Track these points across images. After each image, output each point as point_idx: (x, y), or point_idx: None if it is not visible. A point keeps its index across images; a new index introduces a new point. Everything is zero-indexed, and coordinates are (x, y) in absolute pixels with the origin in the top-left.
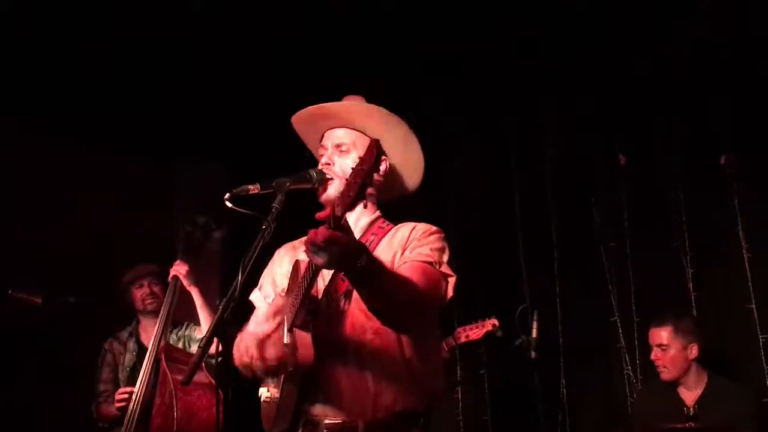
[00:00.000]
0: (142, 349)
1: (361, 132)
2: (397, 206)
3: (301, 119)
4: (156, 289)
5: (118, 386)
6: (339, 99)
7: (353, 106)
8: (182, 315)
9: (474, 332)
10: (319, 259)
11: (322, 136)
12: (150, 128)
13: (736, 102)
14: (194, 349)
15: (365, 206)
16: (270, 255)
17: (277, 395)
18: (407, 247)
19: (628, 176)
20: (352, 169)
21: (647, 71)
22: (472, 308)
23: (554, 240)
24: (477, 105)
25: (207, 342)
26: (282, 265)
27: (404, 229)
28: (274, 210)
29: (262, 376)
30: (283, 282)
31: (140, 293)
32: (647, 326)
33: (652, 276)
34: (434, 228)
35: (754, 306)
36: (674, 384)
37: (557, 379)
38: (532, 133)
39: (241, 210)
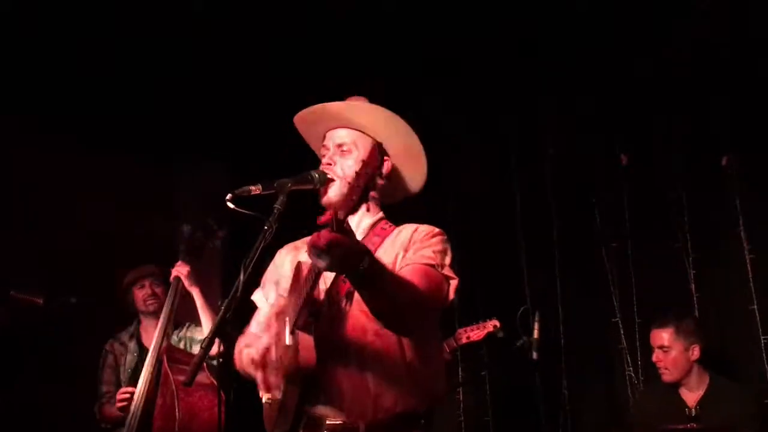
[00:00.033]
0: (143, 350)
1: (363, 132)
2: (397, 207)
3: (303, 119)
4: (157, 289)
5: (119, 387)
6: (339, 99)
7: (355, 106)
8: (183, 316)
9: (475, 333)
10: (322, 263)
11: (324, 137)
12: (150, 128)
13: (736, 102)
14: (195, 349)
15: (368, 209)
16: (271, 256)
17: (279, 396)
18: (410, 249)
19: (628, 176)
20: (356, 173)
21: (647, 71)
22: (473, 309)
23: (555, 240)
24: (477, 105)
25: (209, 343)
26: (284, 266)
27: (407, 230)
28: (275, 211)
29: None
30: (285, 283)
31: (141, 294)
32: (649, 327)
33: (654, 277)
34: (437, 230)
35: (755, 307)
36: (676, 385)
37: (558, 380)
38: (532, 133)
39: (243, 211)
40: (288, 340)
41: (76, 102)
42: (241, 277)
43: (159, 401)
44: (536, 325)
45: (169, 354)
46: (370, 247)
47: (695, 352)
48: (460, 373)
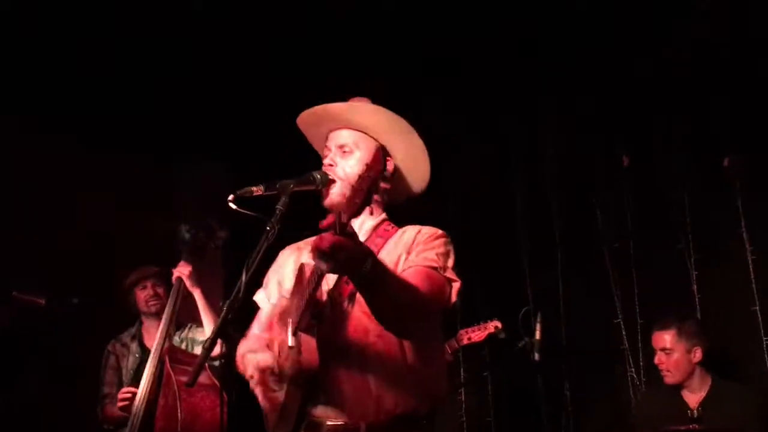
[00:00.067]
0: (145, 351)
1: (366, 133)
2: (397, 207)
3: (305, 120)
4: (159, 290)
5: (121, 388)
6: (339, 99)
7: (357, 106)
8: (185, 317)
9: (476, 334)
10: (325, 265)
11: (327, 137)
12: (150, 128)
13: (737, 102)
14: (197, 350)
15: (371, 212)
16: (273, 257)
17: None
18: (413, 251)
19: (629, 177)
20: (358, 175)
21: (647, 71)
22: (475, 310)
23: (557, 241)
24: (477, 105)
25: (211, 343)
26: (286, 266)
27: (410, 232)
28: (278, 212)
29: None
30: (288, 284)
31: (143, 295)
32: (651, 328)
33: (656, 278)
34: (440, 232)
35: (758, 308)
36: (678, 387)
37: (560, 381)
38: (532, 133)
39: (245, 212)
40: (290, 341)
41: (76, 102)
42: (243, 277)
43: (161, 402)
44: (538, 326)
45: (171, 355)
46: (373, 248)
47: (697, 354)
48: (462, 374)
